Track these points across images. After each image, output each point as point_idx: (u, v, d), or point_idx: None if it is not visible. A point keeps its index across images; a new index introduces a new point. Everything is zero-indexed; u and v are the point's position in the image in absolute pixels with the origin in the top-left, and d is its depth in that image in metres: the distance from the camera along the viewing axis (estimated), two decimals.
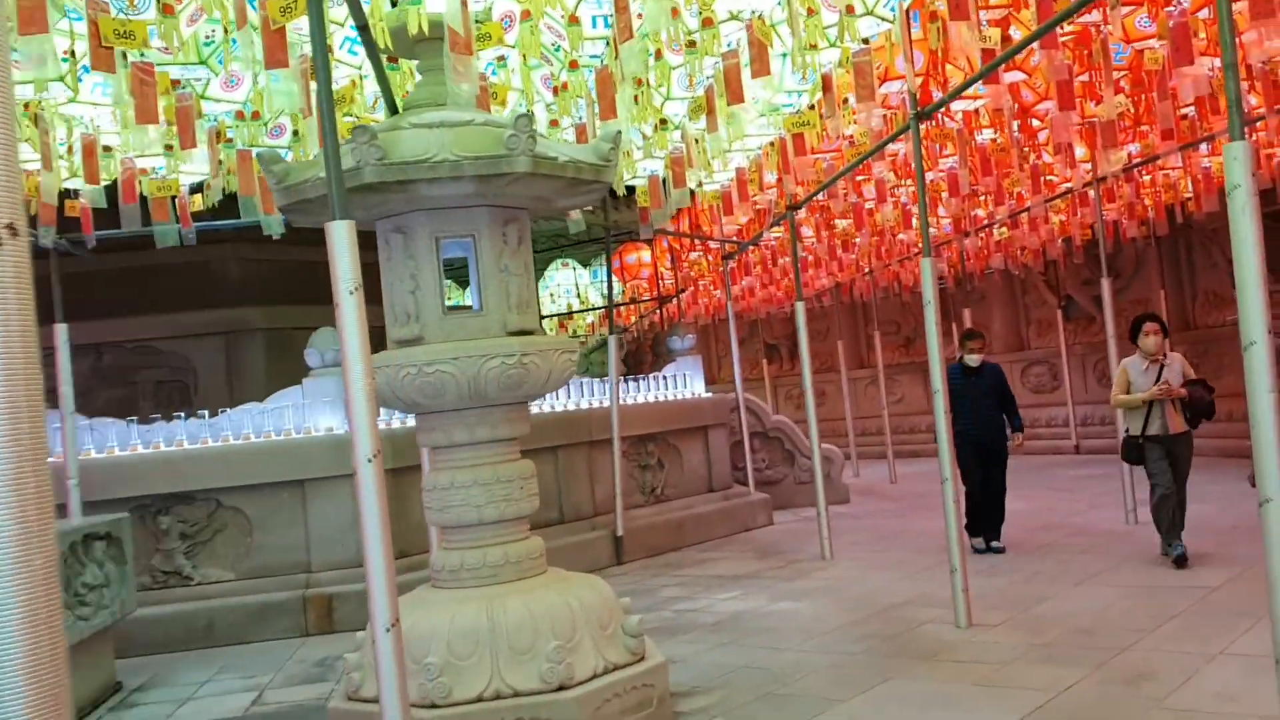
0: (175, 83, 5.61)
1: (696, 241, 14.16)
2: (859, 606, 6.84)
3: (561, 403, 9.85)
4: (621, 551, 9.64)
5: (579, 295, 19.73)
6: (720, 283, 17.49)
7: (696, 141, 7.31)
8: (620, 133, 4.65)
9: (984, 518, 8.53)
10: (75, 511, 7.05)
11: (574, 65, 5.64)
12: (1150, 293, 16.15)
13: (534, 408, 9.49)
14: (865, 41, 5.58)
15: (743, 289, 18.07)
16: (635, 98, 6.16)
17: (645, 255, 17.62)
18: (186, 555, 7.86)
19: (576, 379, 10.27)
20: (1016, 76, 6.65)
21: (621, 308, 19.66)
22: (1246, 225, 3.19)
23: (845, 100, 6.04)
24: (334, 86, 5.11)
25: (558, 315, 20.14)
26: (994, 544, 8.51)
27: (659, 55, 5.61)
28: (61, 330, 7.36)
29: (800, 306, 8.64)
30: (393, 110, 4.92)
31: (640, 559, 9.72)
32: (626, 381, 10.78)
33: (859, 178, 9.66)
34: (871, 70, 5.32)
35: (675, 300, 15.87)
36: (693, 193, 8.79)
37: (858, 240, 11.76)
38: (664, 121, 6.74)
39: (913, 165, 6.87)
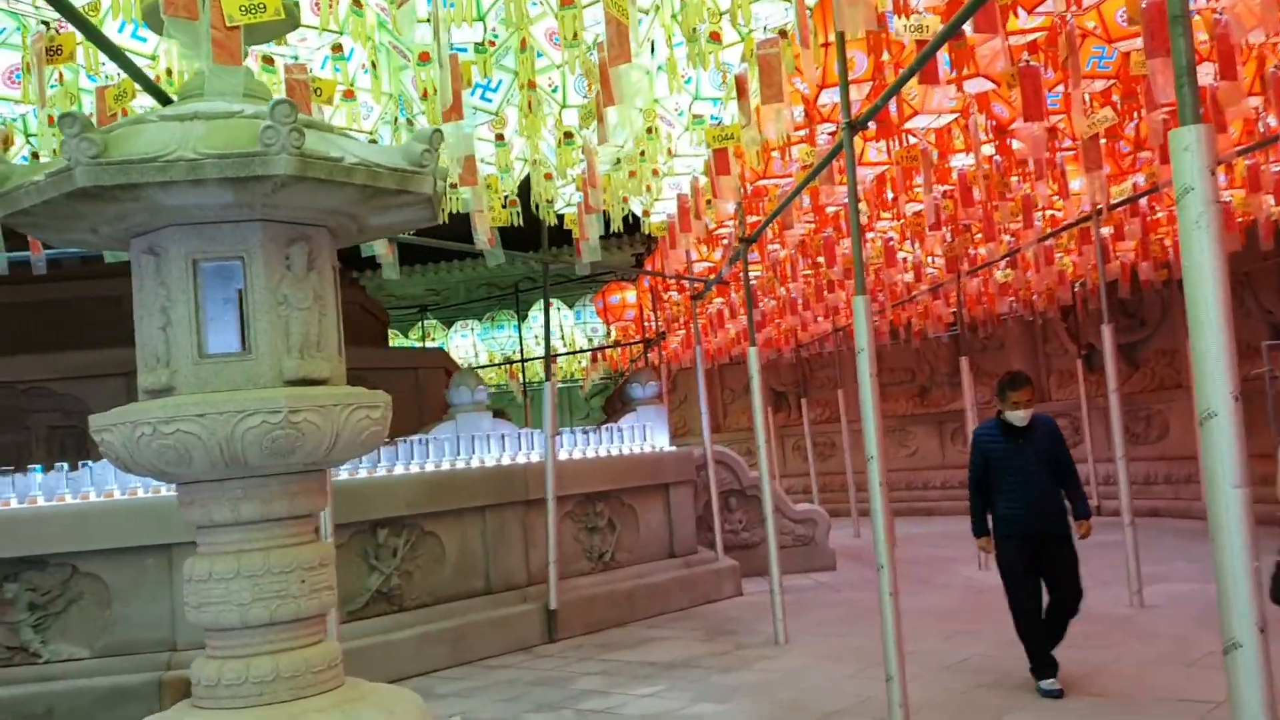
0: None
1: (673, 280, 13.25)
2: (787, 713, 5.82)
3: (494, 455, 8.92)
4: (555, 627, 8.65)
5: (563, 337, 18.85)
6: (715, 324, 16.61)
7: (619, 162, 6.43)
8: (438, 132, 3.75)
9: (1042, 645, 5.99)
10: None
11: (424, 58, 4.77)
12: (1178, 343, 15.06)
13: (461, 461, 8.60)
14: (783, 33, 4.67)
15: (737, 330, 17.22)
16: (529, 103, 5.29)
17: (630, 295, 16.74)
18: (35, 629, 6.96)
19: (514, 429, 9.36)
20: (984, 86, 5.71)
21: (609, 350, 18.77)
22: (1203, 244, 2.23)
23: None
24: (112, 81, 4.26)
25: (541, 359, 19.25)
26: (1047, 684, 5.92)
27: (524, 45, 4.75)
28: None
29: (753, 353, 7.69)
30: (162, 102, 4.06)
31: (578, 635, 8.72)
32: (575, 433, 9.85)
33: (830, 208, 8.72)
34: (780, 66, 4.40)
35: (656, 343, 14.97)
36: (631, 221, 7.89)
37: (835, 277, 10.79)
38: (568, 135, 5.86)
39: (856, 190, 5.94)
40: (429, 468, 8.37)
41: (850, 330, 16.94)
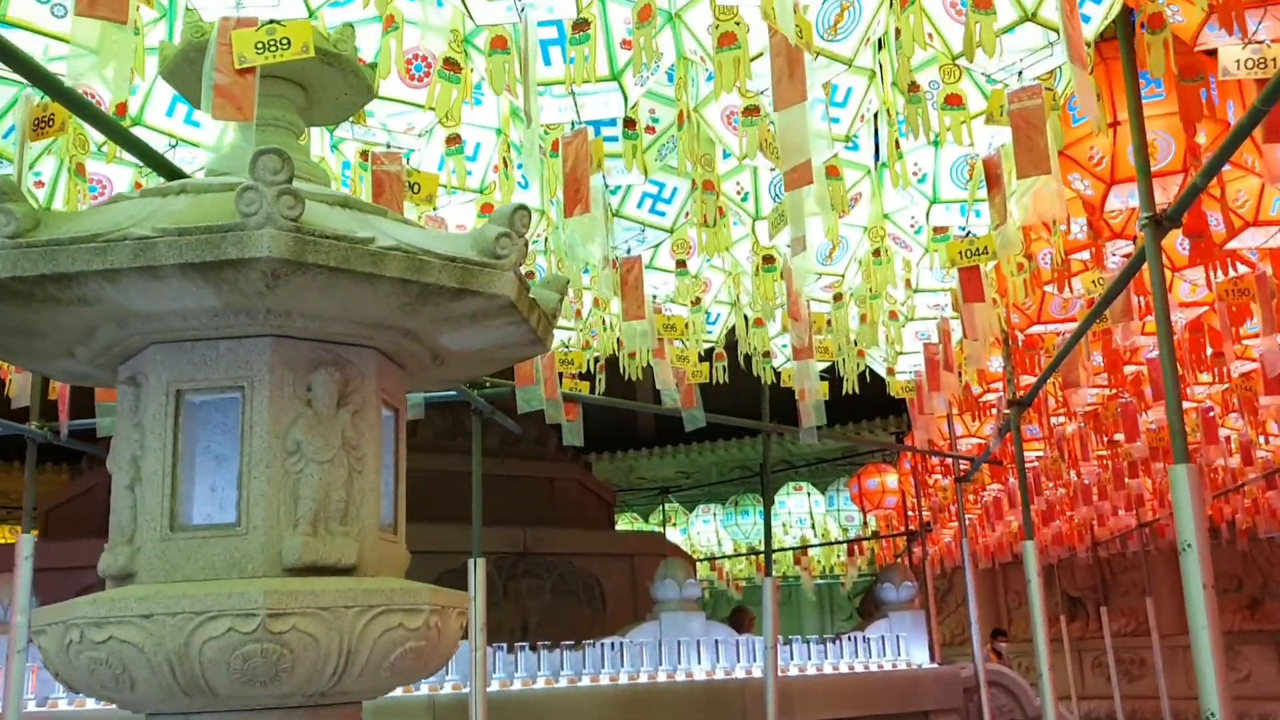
0: None
1: (936, 461, 11.57)
2: None
3: (704, 667, 7.48)
4: None
5: (813, 525, 17.23)
6: (992, 514, 14.59)
7: (839, 297, 5.15)
8: (523, 209, 2.64)
9: None
10: None
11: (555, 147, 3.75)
12: None
13: (663, 673, 7.23)
14: (1048, 86, 3.33)
15: (1019, 522, 15.09)
16: (704, 215, 4.17)
17: (890, 479, 15.03)
18: None
19: (732, 634, 7.89)
20: None
21: (867, 542, 16.94)
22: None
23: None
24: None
25: (792, 549, 17.65)
26: None
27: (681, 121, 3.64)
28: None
29: (1029, 546, 6.01)
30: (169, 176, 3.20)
31: None
32: (809, 643, 8.26)
33: (1131, 367, 7.00)
34: (1043, 125, 3.02)
35: (920, 535, 13.14)
36: (867, 376, 6.53)
37: (1138, 455, 8.82)
38: (768, 259, 4.67)
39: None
40: (622, 680, 7.05)
41: (1161, 527, 14.40)
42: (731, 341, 6.38)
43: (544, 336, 2.95)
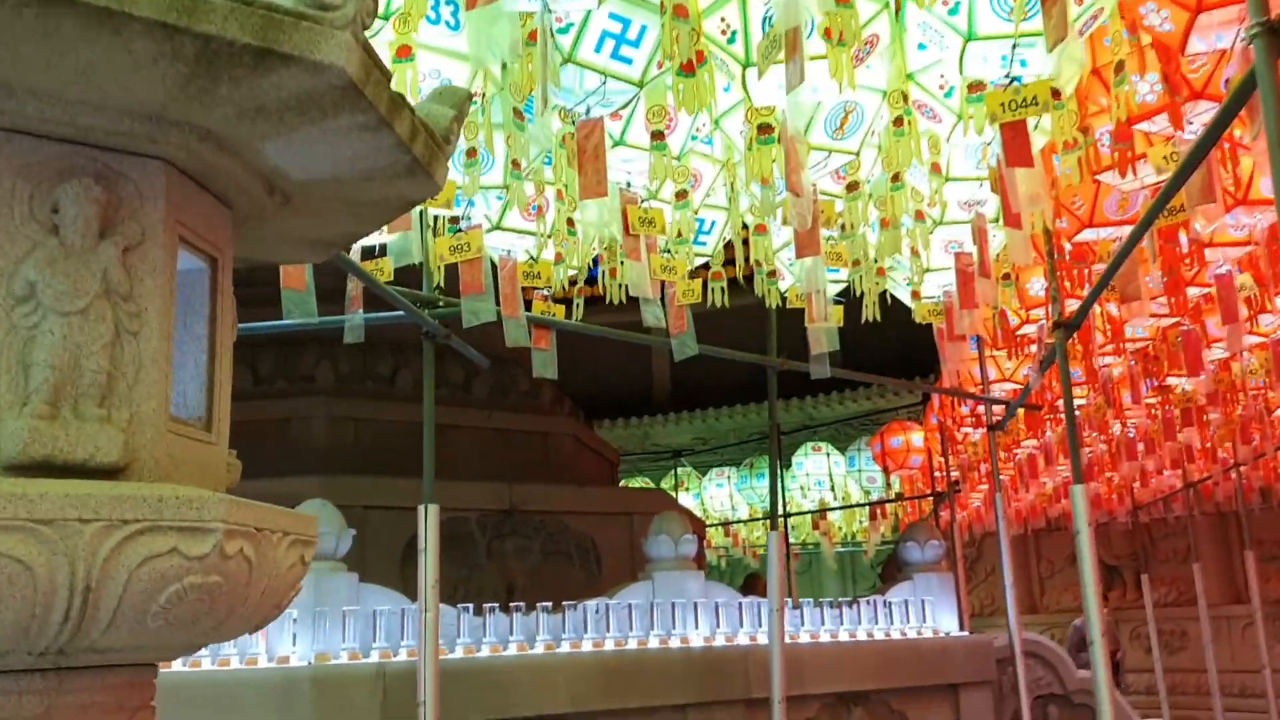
0: None
1: (967, 411, 10.69)
2: None
3: (702, 633, 6.68)
4: None
5: (833, 488, 16.39)
6: (1025, 474, 13.69)
7: (856, 186, 4.30)
8: None
9: None
10: None
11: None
12: None
13: (655, 639, 6.45)
14: None
15: (1056, 484, 14.24)
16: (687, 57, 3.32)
17: (915, 437, 14.15)
18: None
19: (735, 596, 7.08)
20: None
21: (890, 505, 16.08)
22: None
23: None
24: None
25: (810, 513, 16.81)
26: None
27: None
28: None
29: (1079, 491, 5.15)
30: None
31: None
32: (823, 606, 7.44)
33: (1196, 289, 6.09)
34: None
35: (948, 497, 12.27)
36: (887, 302, 5.69)
37: (1198, 396, 7.92)
38: (764, 128, 3.80)
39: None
40: (608, 646, 6.26)
41: (1206, 488, 13.48)
42: (732, 259, 5.55)
43: (430, 165, 2.13)
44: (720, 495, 17.71)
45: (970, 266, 5.15)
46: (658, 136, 3.86)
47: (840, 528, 18.33)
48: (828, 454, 16.43)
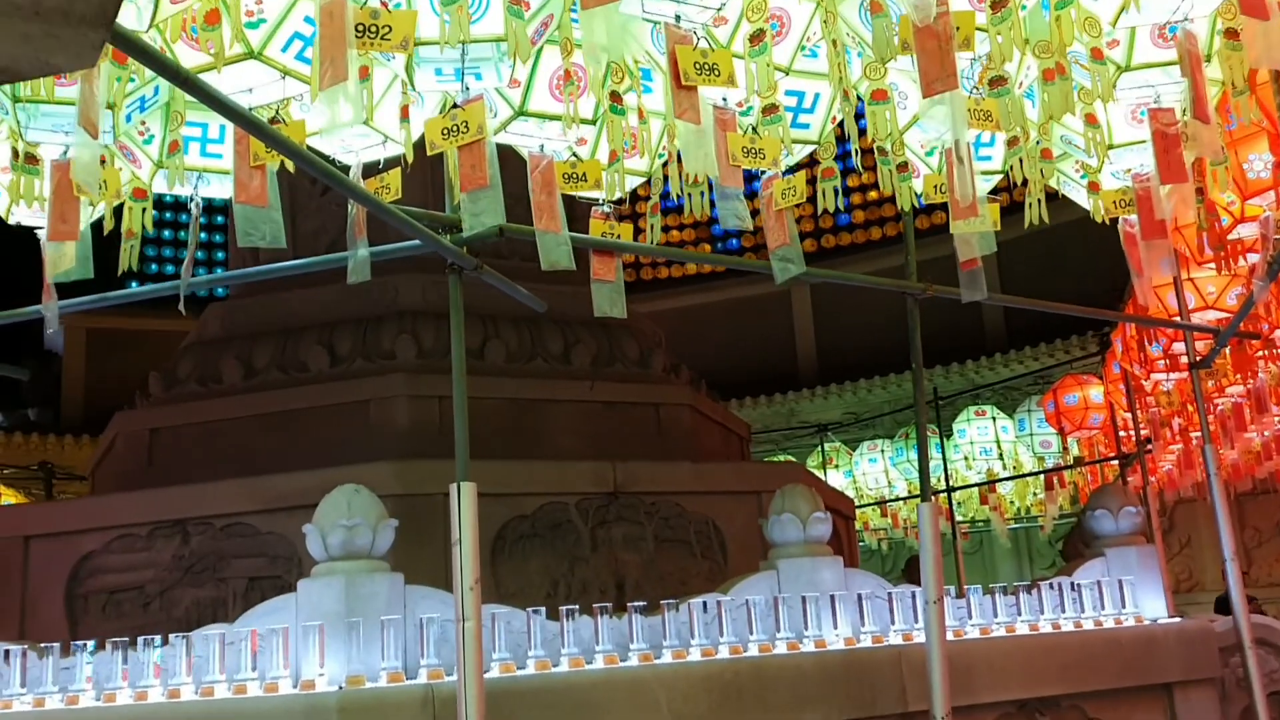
0: None
1: (1159, 351, 9.05)
2: None
3: (841, 632, 5.45)
4: None
5: (1001, 456, 14.76)
6: (1230, 428, 11.85)
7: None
8: None
9: None
10: None
11: None
12: None
13: (781, 642, 5.28)
14: None
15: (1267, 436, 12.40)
16: None
17: (1094, 393, 12.47)
18: None
19: (884, 585, 5.81)
20: None
21: (1066, 473, 14.35)
22: None
23: None
24: None
25: (977, 485, 15.19)
26: None
27: None
28: None
29: None
30: None
31: None
32: (995, 594, 6.11)
33: None
34: None
35: (1137, 458, 10.62)
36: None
37: None
38: None
39: None
40: (721, 654, 5.10)
41: None
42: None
43: None
44: (874, 471, 16.25)
45: (1172, 126, 3.78)
46: None
47: (1011, 502, 16.64)
48: (993, 417, 14.80)
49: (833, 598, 5.52)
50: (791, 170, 4.17)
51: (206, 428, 8.20)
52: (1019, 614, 6.01)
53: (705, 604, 5.20)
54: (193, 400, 8.35)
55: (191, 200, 4.18)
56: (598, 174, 3.86)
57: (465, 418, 4.11)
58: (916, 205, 4.57)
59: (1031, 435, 14.29)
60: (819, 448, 17.39)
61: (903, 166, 4.50)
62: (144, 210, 4.22)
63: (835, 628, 5.48)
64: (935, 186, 4.30)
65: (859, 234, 23.06)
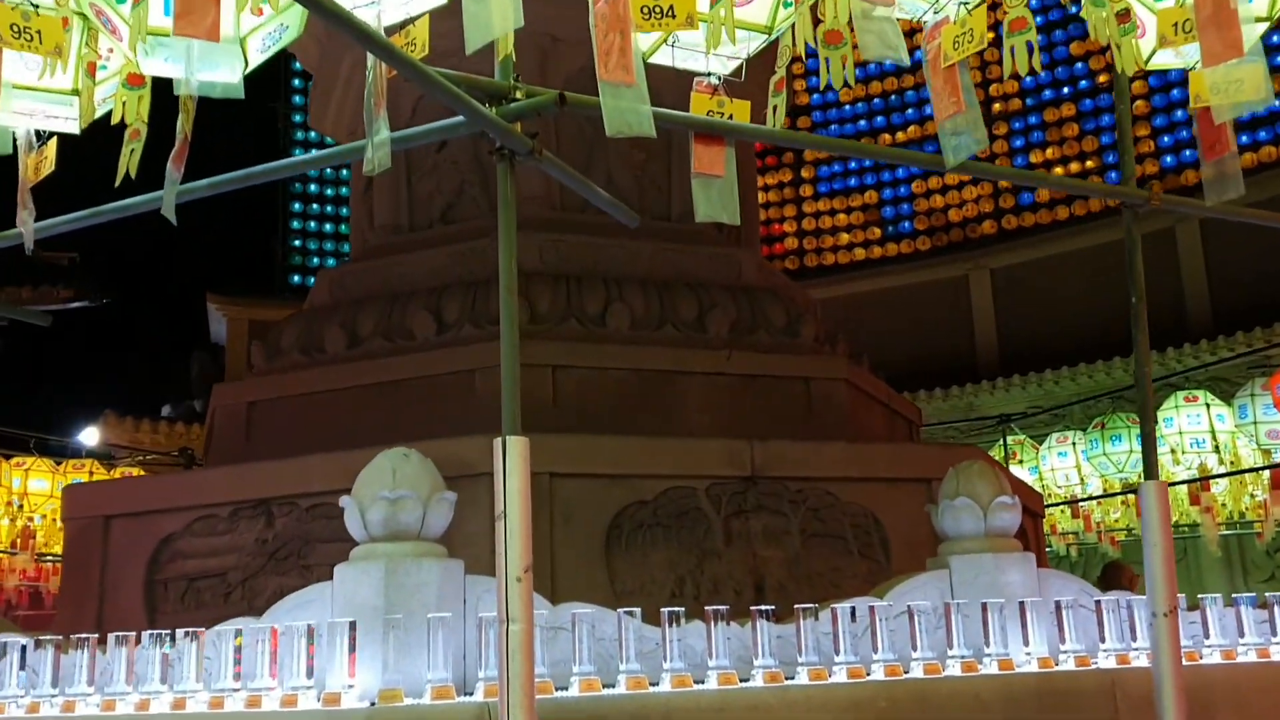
0: None
1: None
2: None
3: (1034, 652, 4.23)
4: None
5: (1217, 448, 12.93)
6: None
7: None
8: None
9: None
10: None
11: None
12: None
13: (953, 662, 4.12)
14: None
15: None
16: None
17: None
18: None
19: (1090, 591, 4.55)
20: None
21: None
22: None
23: None
24: None
25: (1186, 483, 13.37)
26: None
27: None
28: None
29: None
30: None
31: None
32: (1237, 605, 4.76)
33: None
34: None
35: None
36: None
37: None
38: None
39: None
40: (875, 674, 3.96)
41: None
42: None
43: None
44: (1064, 467, 14.56)
45: None
46: None
47: (1225, 505, 14.70)
48: (1206, 404, 12.98)
49: (1022, 605, 4.30)
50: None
51: (307, 400, 7.51)
52: (1274, 633, 4.65)
53: (854, 610, 4.06)
54: (293, 371, 7.70)
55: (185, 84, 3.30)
56: (690, 7, 2.81)
57: (515, 350, 3.17)
58: (1141, 65, 3.34)
59: (1255, 424, 12.44)
60: (1000, 441, 15.82)
61: (1123, 15, 3.29)
62: (140, 99, 3.42)
63: (1025, 645, 4.26)
64: (1175, 25, 3.07)
65: (1043, 214, 21.37)
